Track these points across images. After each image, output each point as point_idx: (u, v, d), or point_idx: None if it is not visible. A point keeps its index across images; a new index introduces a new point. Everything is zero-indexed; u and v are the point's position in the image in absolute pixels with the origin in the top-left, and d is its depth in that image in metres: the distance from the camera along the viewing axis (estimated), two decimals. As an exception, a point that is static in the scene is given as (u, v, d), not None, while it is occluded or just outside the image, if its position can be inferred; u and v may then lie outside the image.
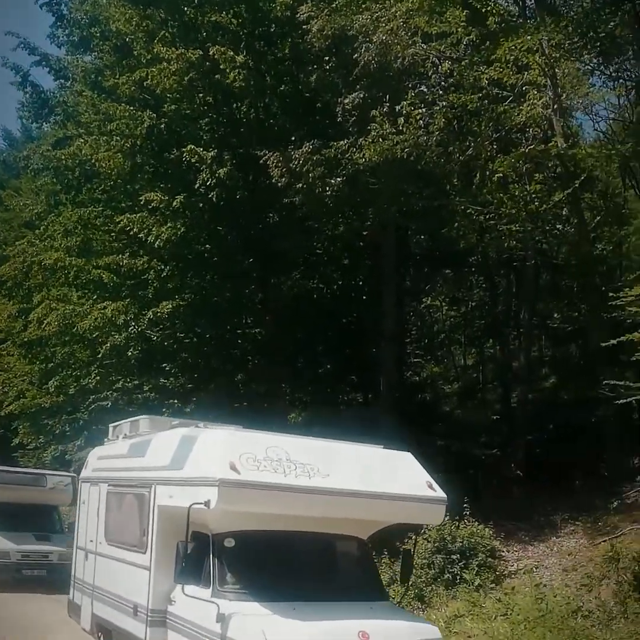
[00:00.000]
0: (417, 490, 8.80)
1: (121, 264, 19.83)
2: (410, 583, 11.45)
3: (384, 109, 17.51)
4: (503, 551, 15.52)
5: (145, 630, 8.90)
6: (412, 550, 10.49)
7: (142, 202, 18.47)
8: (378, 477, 8.64)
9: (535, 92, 17.17)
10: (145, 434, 10.90)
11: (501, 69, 16.85)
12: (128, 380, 22.56)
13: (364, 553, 9.54)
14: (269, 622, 7.36)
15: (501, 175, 18.19)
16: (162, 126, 19.02)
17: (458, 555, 14.91)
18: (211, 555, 8.16)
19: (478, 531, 15.11)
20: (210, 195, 17.99)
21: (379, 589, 9.19)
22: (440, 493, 8.93)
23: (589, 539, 14.36)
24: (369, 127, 17.57)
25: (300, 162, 17.92)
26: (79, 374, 23.70)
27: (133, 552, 9.74)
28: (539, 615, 12.19)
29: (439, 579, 14.92)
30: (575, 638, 11.25)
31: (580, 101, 17.96)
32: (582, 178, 18.20)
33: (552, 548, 15.09)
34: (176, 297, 20.18)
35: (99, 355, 21.61)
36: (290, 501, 7.86)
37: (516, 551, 15.57)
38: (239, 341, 22.37)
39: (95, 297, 22.18)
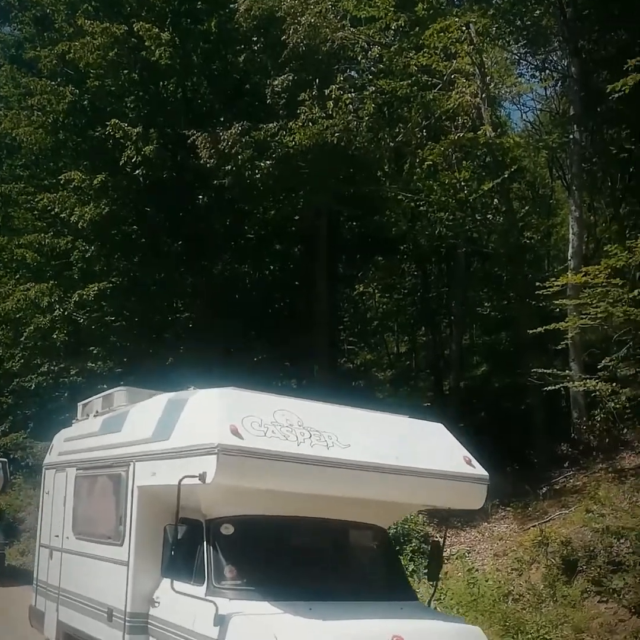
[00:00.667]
0: (454, 467, 7.34)
1: (43, 243, 19.29)
2: (439, 582, 9.83)
3: (314, 93, 17.30)
4: (436, 537, 15.64)
5: (122, 638, 7.38)
6: (442, 542, 9.18)
7: (62, 181, 17.95)
8: (408, 449, 7.14)
9: (464, 80, 17.24)
10: (121, 408, 9.16)
11: (430, 56, 16.87)
12: (54, 363, 22.06)
13: (387, 544, 8.17)
14: (281, 625, 5.88)
15: (431, 163, 18.26)
16: (86, 102, 18.52)
17: (393, 541, 14.97)
18: (205, 545, 6.72)
19: (412, 517, 15.18)
20: (135, 173, 17.59)
21: (406, 587, 7.78)
22: (481, 470, 7.59)
23: (519, 525, 14.55)
24: (298, 111, 17.41)
25: (229, 143, 17.65)
26: (1, 356, 23.11)
27: (107, 546, 8.15)
28: (471, 599, 12.24)
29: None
30: (506, 621, 11.32)
31: (508, 91, 18.09)
32: (513, 169, 18.38)
33: (484, 533, 15.25)
34: (103, 279, 19.75)
35: (23, 338, 21.08)
36: (304, 476, 6.40)
37: (449, 537, 15.68)
38: (170, 325, 22.05)
39: (18, 276, 21.61)
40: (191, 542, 6.80)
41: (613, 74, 16.42)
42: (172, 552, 6.67)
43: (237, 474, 6.13)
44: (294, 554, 7.12)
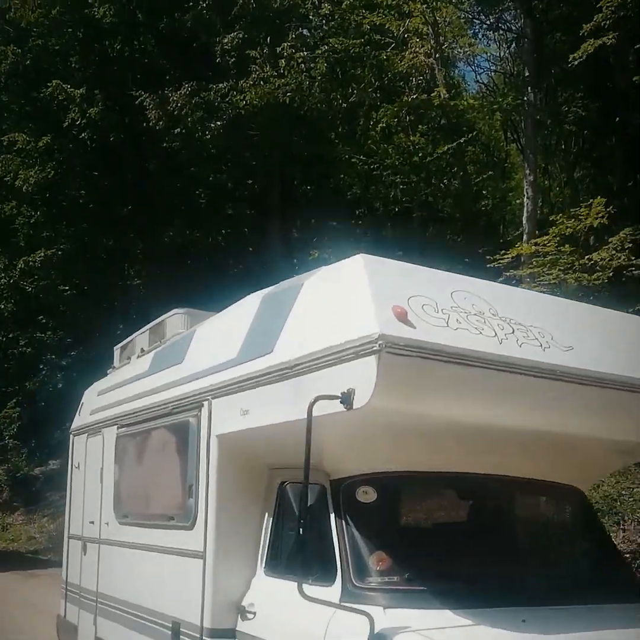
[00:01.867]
0: None
1: (-16, 209, 18.74)
2: None
3: (264, 51, 16.93)
4: None
5: None
6: None
7: (5, 143, 17.34)
8: None
9: (417, 40, 16.99)
10: (178, 336, 6.55)
11: (383, 15, 16.56)
12: (2, 333, 21.56)
13: (592, 515, 5.57)
14: None
15: (385, 125, 18.04)
16: (28, 63, 17.83)
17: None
18: (334, 520, 4.17)
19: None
20: (81, 136, 17.05)
21: (629, 577, 5.21)
22: None
23: None
24: (249, 69, 17.03)
25: (179, 104, 17.21)
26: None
27: (169, 531, 5.53)
28: None
29: None
30: None
31: (462, 51, 17.85)
32: (470, 136, 18.24)
33: None
34: (51, 246, 19.26)
35: (-33, 307, 20.60)
36: (516, 396, 3.99)
37: None
38: (120, 293, 21.63)
39: (-40, 243, 20.99)
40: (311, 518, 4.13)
41: (567, 34, 16.33)
42: (298, 531, 3.87)
43: (411, 387, 3.68)
44: (466, 531, 4.82)
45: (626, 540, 10.65)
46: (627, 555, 10.26)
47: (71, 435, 8.74)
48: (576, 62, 13.50)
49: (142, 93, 17.26)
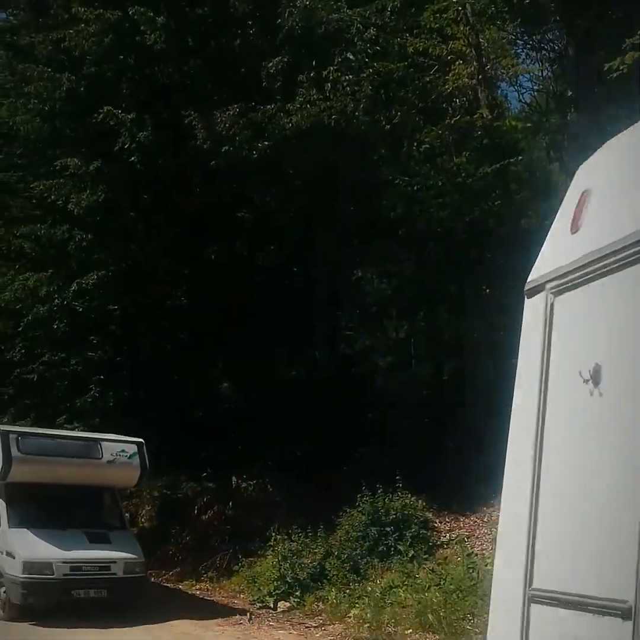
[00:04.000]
0: None
1: (41, 232, 19.30)
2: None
3: (310, 74, 17.30)
4: (435, 522, 15.70)
5: None
6: None
7: (58, 168, 17.92)
8: None
9: (460, 62, 17.25)
10: None
11: (426, 39, 16.87)
12: (54, 353, 22.05)
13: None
14: None
15: (428, 146, 18.26)
16: (82, 89, 18.43)
17: (392, 527, 15.09)
18: None
19: (411, 503, 15.23)
20: (131, 160, 17.53)
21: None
22: None
23: None
24: (295, 92, 17.41)
25: (226, 125, 17.64)
26: (1, 347, 23.10)
27: None
28: (470, 584, 12.35)
29: (373, 551, 15.12)
30: None
31: (505, 72, 18.04)
32: (518, 158, 18.34)
33: (483, 518, 15.26)
34: (102, 267, 19.75)
35: (21, 328, 21.11)
36: None
37: (448, 522, 15.73)
38: (167, 313, 22.04)
39: (17, 266, 21.60)
40: None
41: (610, 53, 16.42)
42: None
43: None
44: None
45: None
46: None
47: (526, 297, 4.37)
48: (614, 75, 13.62)
49: (192, 113, 17.71)
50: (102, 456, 14.80)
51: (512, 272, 19.92)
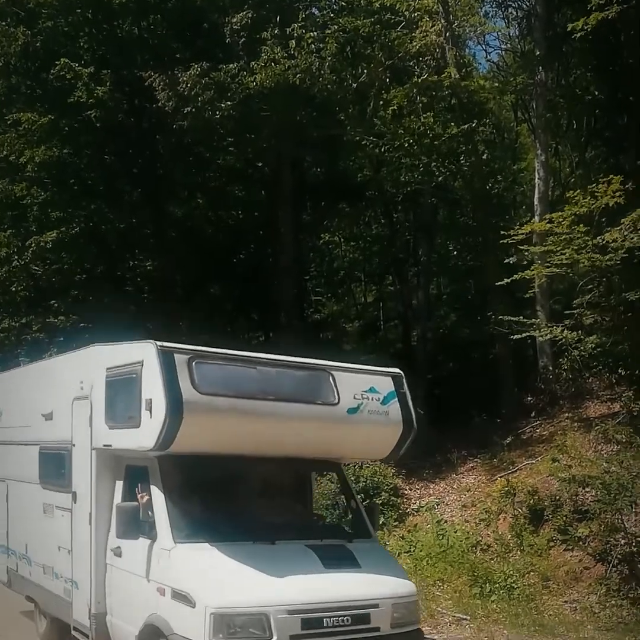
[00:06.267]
0: None
1: (-3, 189, 18.80)
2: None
3: (275, 32, 16.85)
4: (405, 489, 15.70)
5: None
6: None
7: (9, 122, 17.38)
8: None
9: (428, 19, 16.88)
10: None
11: (393, -7, 16.47)
12: (14, 319, 21.61)
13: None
14: None
15: (395, 106, 17.93)
16: (38, 44, 17.81)
17: (362, 494, 15.03)
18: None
19: (380, 470, 15.20)
20: (88, 114, 17.02)
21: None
22: None
23: (487, 475, 14.60)
24: (259, 50, 16.96)
25: (188, 85, 17.17)
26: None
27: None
28: (440, 551, 12.44)
29: (343, 519, 15.04)
30: (475, 571, 11.52)
31: (473, 30, 17.71)
32: (479, 114, 18.10)
33: (452, 485, 15.30)
34: (61, 227, 19.29)
35: (-21, 291, 20.71)
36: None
37: (418, 489, 15.75)
38: (131, 276, 21.68)
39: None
40: None
41: (578, 12, 16.18)
42: None
43: None
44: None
45: (638, 524, 10.66)
46: (639, 538, 10.33)
47: None
48: (578, 35, 13.42)
49: (152, 73, 17.23)
50: (338, 400, 7.69)
51: (481, 234, 20.01)
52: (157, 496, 7.08)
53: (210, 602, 6.23)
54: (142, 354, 6.92)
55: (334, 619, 6.54)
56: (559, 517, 11.48)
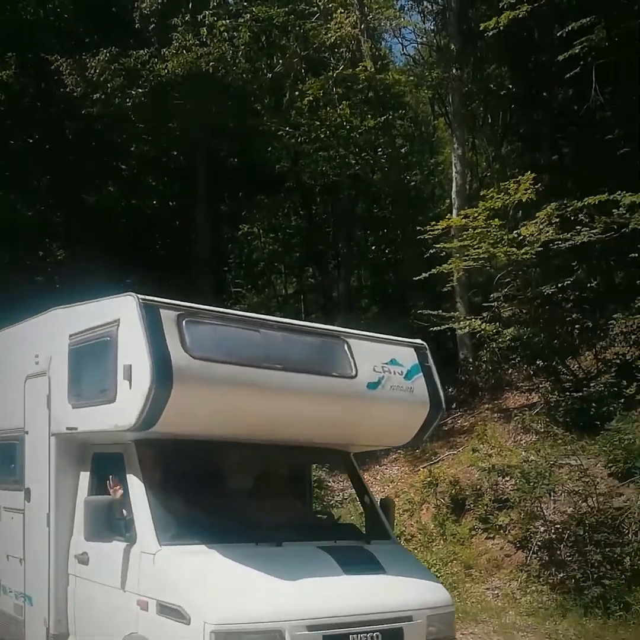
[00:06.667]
0: None
1: None
2: None
3: (185, 18, 16.49)
4: (329, 481, 15.66)
5: None
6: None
7: None
8: None
9: (342, 10, 16.78)
10: None
11: (307, -18, 16.30)
12: None
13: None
14: None
15: (312, 97, 17.83)
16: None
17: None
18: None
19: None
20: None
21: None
22: None
23: (409, 467, 14.69)
24: (170, 37, 16.60)
25: (97, 70, 16.71)
26: None
27: None
28: None
29: (351, 517, 14.90)
30: None
31: (388, 23, 17.68)
32: (395, 106, 18.15)
33: (376, 476, 15.29)
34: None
35: None
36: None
37: (341, 481, 15.71)
38: (41, 266, 20.97)
39: None
40: None
41: (491, 8, 16.28)
42: None
43: None
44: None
45: (557, 512, 10.83)
46: (557, 526, 10.50)
47: None
48: (491, 33, 13.54)
49: (58, 58, 16.67)
50: (356, 372, 6.34)
51: (400, 227, 20.06)
52: (136, 489, 5.68)
53: (210, 616, 4.87)
54: (118, 311, 5.63)
55: (362, 635, 5.24)
56: (480, 506, 11.61)
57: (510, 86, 19.28)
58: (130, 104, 17.07)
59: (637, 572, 9.00)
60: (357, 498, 7.82)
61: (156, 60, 16.84)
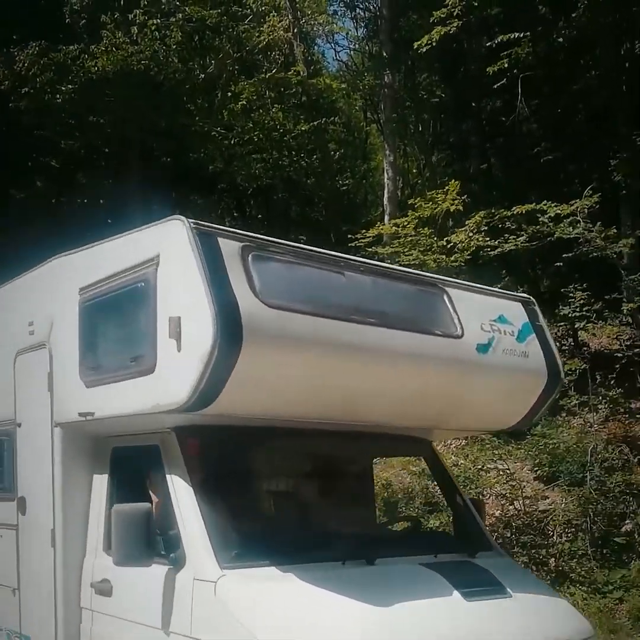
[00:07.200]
0: None
1: None
2: None
3: (116, 16, 16.25)
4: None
5: None
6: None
7: None
8: None
9: (275, 14, 16.82)
10: None
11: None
12: None
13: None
14: None
15: (245, 99, 17.81)
16: None
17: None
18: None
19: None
20: None
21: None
22: None
23: None
24: (101, 34, 16.34)
25: (26, 64, 16.36)
26: None
27: None
28: None
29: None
30: None
31: (321, 28, 17.79)
32: (328, 112, 18.25)
33: None
34: None
35: None
36: None
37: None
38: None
39: None
40: None
41: (422, 19, 16.53)
42: None
43: None
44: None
45: (485, 514, 11.03)
46: (486, 528, 10.65)
47: None
48: (424, 49, 13.77)
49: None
50: (461, 331, 4.88)
51: (333, 230, 20.15)
52: (183, 494, 4.11)
53: None
54: (158, 244, 4.09)
55: None
56: (411, 508, 11.72)
57: (441, 95, 19.62)
58: (60, 99, 16.75)
59: (562, 573, 9.22)
60: (444, 498, 6.39)
61: (86, 56, 16.54)
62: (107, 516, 4.40)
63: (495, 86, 14.89)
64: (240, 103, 17.86)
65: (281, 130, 18.66)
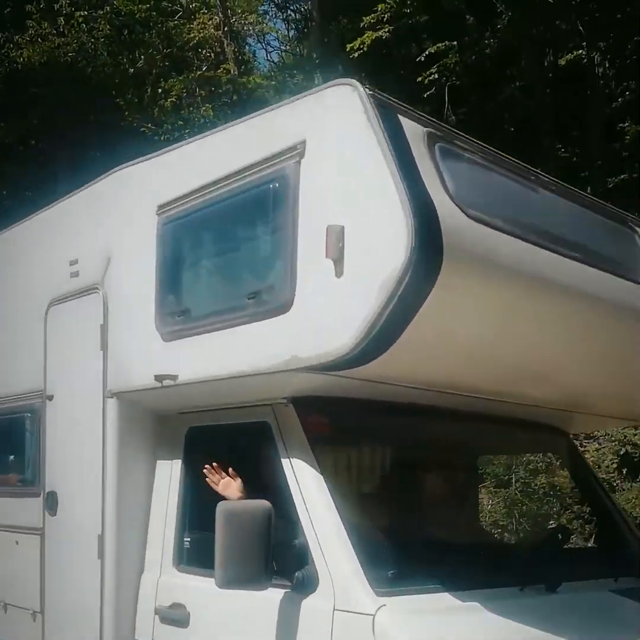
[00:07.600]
0: None
1: None
2: None
3: (41, 6, 16.08)
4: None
5: None
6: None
7: None
8: None
9: (205, 11, 16.79)
10: None
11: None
12: None
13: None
14: None
15: (175, 96, 17.73)
16: None
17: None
18: None
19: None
20: None
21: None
22: None
23: None
24: (26, 24, 16.15)
25: (-55, 52, 16.08)
26: None
27: None
28: None
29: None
30: None
31: (251, 27, 17.81)
32: (258, 109, 18.21)
33: None
34: None
35: None
36: None
37: None
38: None
39: None
40: None
41: (353, 23, 16.63)
42: None
43: None
44: None
45: None
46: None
47: None
48: (356, 54, 13.89)
49: None
50: None
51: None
52: (311, 491, 2.95)
53: None
54: (307, 124, 2.94)
55: None
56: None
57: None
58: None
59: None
60: (586, 500, 5.21)
61: (11, 45, 16.32)
62: (179, 518, 3.44)
63: (425, 95, 15.04)
64: (170, 100, 17.75)
65: (212, 128, 18.60)
